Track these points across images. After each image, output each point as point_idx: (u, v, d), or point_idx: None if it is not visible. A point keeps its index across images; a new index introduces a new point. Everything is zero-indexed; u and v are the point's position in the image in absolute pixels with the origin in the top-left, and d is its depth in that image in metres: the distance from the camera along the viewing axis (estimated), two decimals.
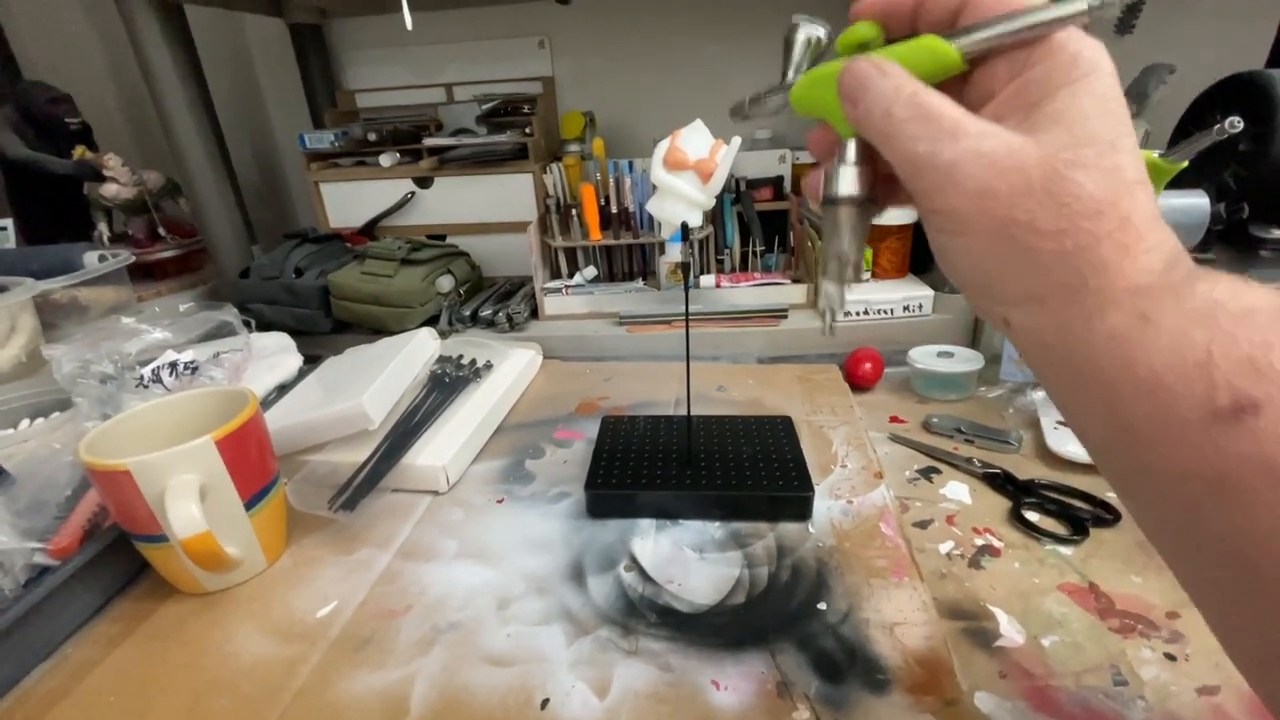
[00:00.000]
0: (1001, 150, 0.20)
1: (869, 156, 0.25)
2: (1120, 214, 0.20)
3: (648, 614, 0.39)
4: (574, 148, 0.93)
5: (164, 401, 0.46)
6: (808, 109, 0.27)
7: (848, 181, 0.25)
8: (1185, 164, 0.45)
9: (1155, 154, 0.47)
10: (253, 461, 0.43)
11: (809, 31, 0.28)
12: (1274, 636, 0.19)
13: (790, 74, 0.28)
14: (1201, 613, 0.22)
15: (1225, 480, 0.18)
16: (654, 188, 0.42)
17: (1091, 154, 0.20)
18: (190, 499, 0.37)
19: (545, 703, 0.33)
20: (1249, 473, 0.17)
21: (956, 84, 0.23)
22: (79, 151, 0.86)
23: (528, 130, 0.88)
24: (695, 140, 0.41)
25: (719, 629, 0.37)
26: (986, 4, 0.21)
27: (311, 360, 0.72)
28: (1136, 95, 0.74)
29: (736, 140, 0.41)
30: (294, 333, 0.76)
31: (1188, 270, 0.20)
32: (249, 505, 0.42)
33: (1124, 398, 0.20)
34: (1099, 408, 0.21)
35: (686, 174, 0.40)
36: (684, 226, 0.42)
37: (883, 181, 0.26)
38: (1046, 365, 0.22)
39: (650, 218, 0.82)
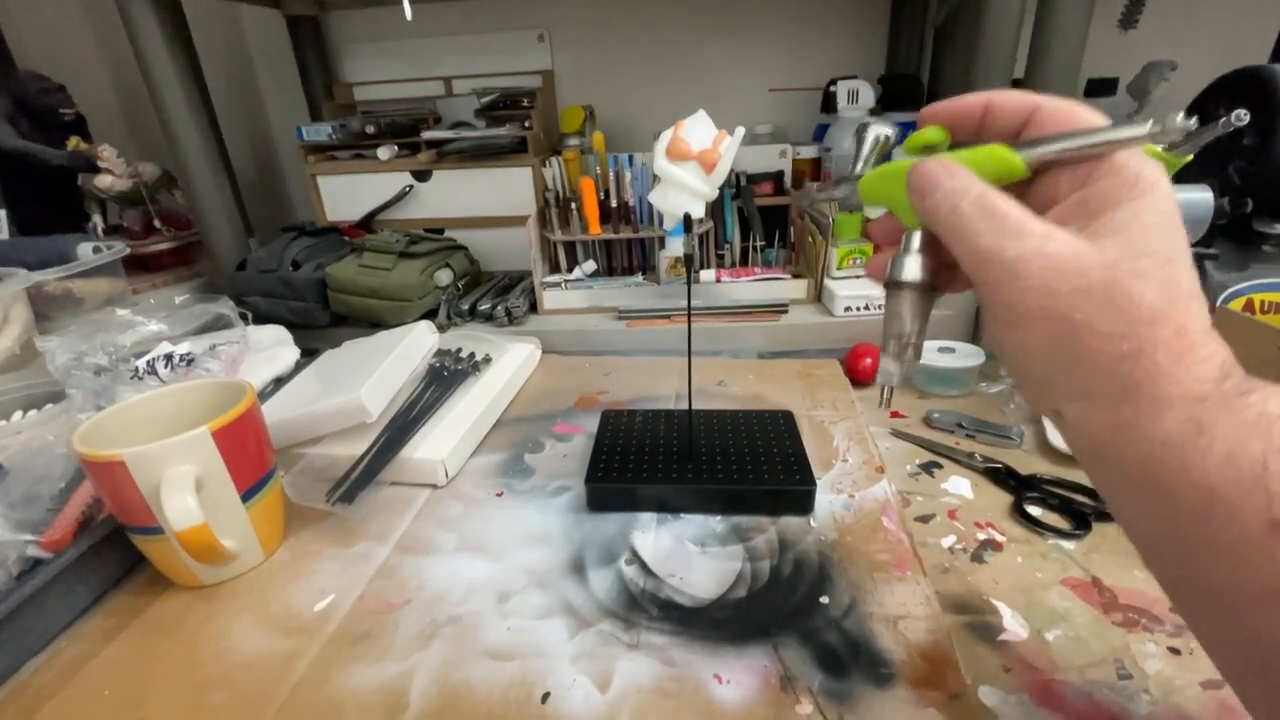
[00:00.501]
0: (1066, 252, 0.21)
1: (932, 247, 0.27)
2: (1176, 323, 0.21)
3: (649, 608, 0.38)
4: (573, 141, 0.92)
5: (159, 393, 0.45)
6: (875, 200, 0.29)
7: (912, 268, 0.27)
8: (1190, 158, 0.44)
9: (1159, 147, 0.47)
10: (249, 453, 0.42)
11: (878, 130, 0.30)
12: None
13: (859, 166, 0.30)
14: (1242, 701, 0.22)
15: None
16: (656, 178, 0.41)
17: (1151, 265, 0.21)
18: (186, 490, 0.37)
19: (546, 696, 0.33)
20: None
21: (1018, 189, 0.24)
22: (73, 142, 0.85)
23: (527, 124, 0.88)
24: (698, 131, 0.41)
25: (721, 623, 0.37)
26: (1052, 120, 0.23)
27: (309, 353, 0.71)
28: (1137, 92, 0.74)
29: (740, 131, 0.40)
30: (291, 326, 0.76)
31: (1240, 379, 0.21)
32: (246, 497, 0.42)
33: (1179, 505, 0.20)
34: (1151, 511, 0.21)
35: (689, 165, 0.40)
36: (687, 218, 0.41)
37: (944, 270, 0.27)
38: (1097, 462, 0.23)
39: (651, 211, 0.82)
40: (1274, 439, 0.19)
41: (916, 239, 0.27)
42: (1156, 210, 0.22)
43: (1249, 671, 0.21)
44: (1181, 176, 0.47)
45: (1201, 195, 0.48)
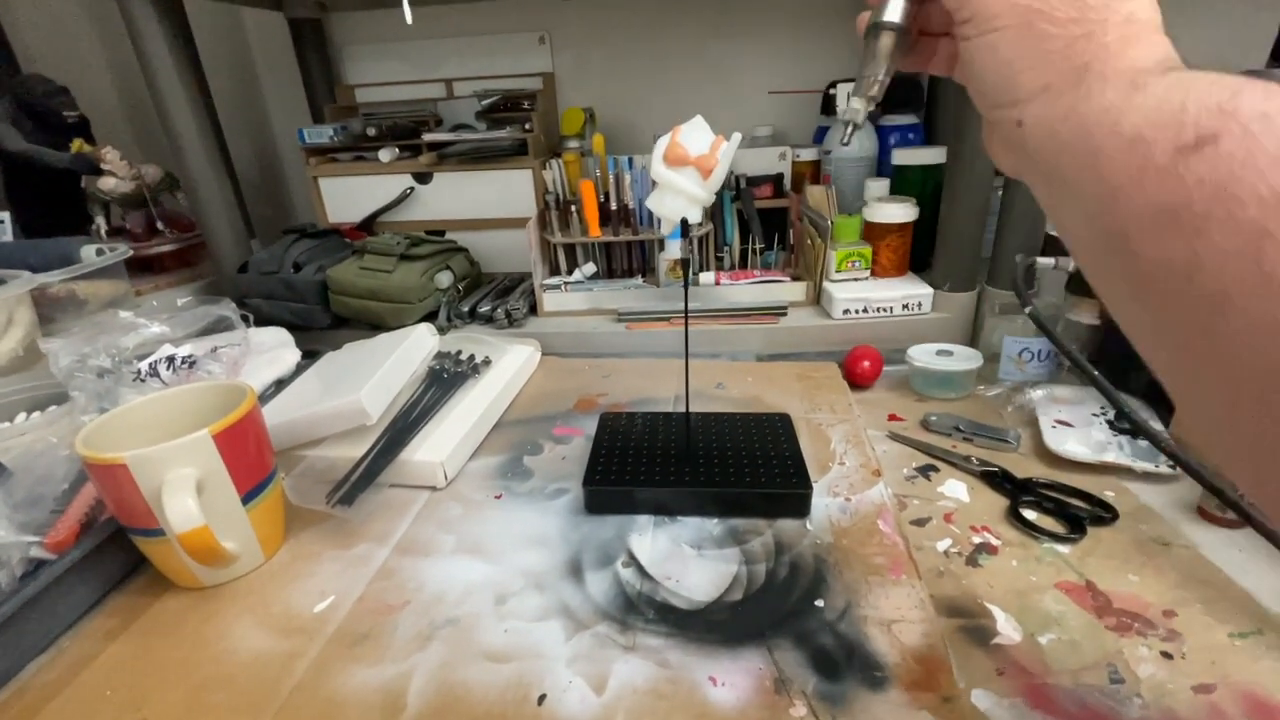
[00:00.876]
0: None
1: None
2: (1126, 10, 0.23)
3: (645, 610, 0.39)
4: (574, 144, 0.92)
5: (161, 395, 0.46)
6: None
7: (894, 9, 0.30)
8: None
9: None
10: (250, 456, 0.43)
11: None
12: (1243, 391, 0.19)
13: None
14: (1179, 404, 0.23)
15: (1186, 208, 0.19)
16: (654, 183, 0.42)
17: None
18: (187, 493, 0.37)
19: (542, 698, 0.33)
20: (1204, 196, 0.18)
21: None
22: (76, 145, 0.86)
23: (527, 126, 0.88)
24: (696, 136, 0.41)
25: (717, 625, 0.37)
26: None
27: (309, 355, 0.71)
28: None
29: (737, 136, 0.40)
30: (292, 328, 0.76)
31: (1179, 64, 0.22)
32: (246, 499, 0.42)
33: (1109, 158, 0.21)
34: (1090, 183, 0.22)
35: (687, 170, 0.40)
36: (684, 222, 0.42)
37: (919, 28, 0.31)
38: (1054, 155, 0.24)
39: (650, 214, 0.82)
40: (1197, 86, 0.20)
41: None
42: None
43: (1176, 344, 0.21)
44: None
45: None
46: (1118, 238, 0.21)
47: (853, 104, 0.33)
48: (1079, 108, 0.22)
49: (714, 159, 0.40)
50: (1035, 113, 0.24)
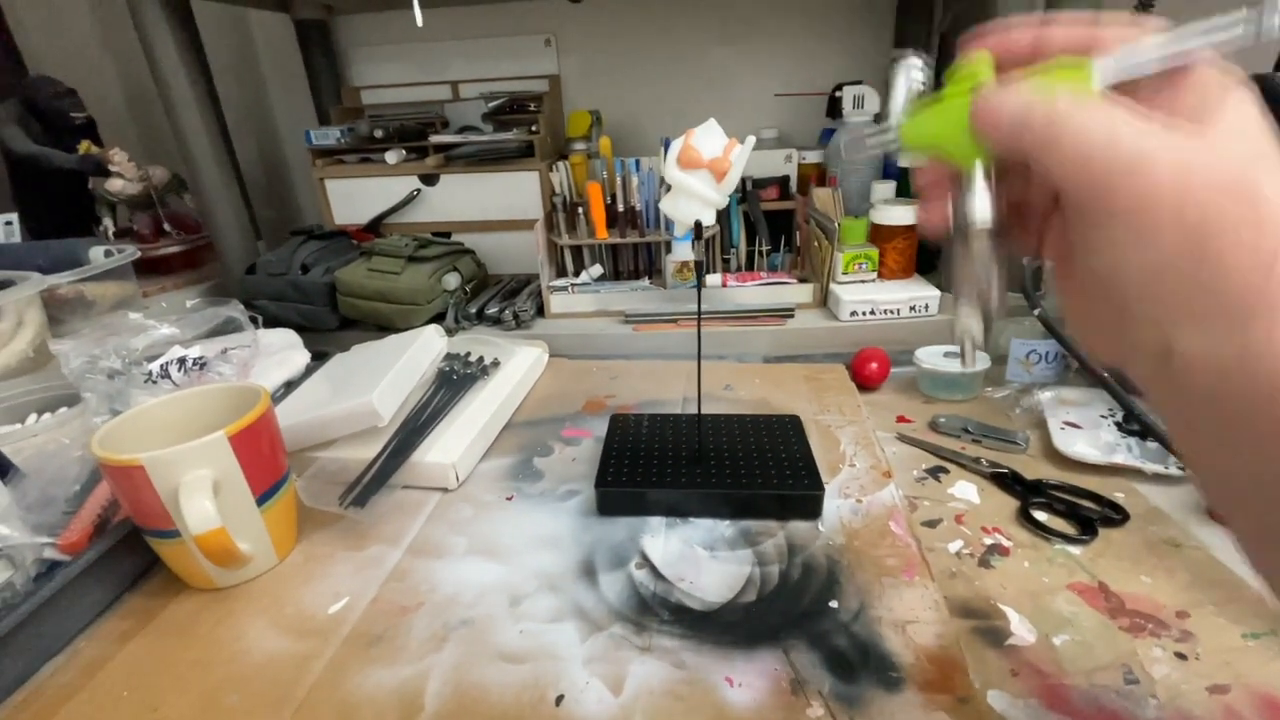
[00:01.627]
0: (1196, 144, 0.19)
1: (998, 183, 0.24)
2: None
3: (660, 611, 0.39)
4: (580, 146, 0.93)
5: (175, 397, 0.46)
6: (922, 143, 0.26)
7: (982, 206, 0.24)
8: None
9: None
10: (265, 457, 0.43)
11: (913, 68, 0.28)
12: None
13: (898, 112, 0.27)
14: None
15: None
16: (667, 186, 0.42)
17: (1274, 165, 0.19)
18: (204, 495, 0.37)
19: (560, 699, 0.33)
20: None
21: None
22: (84, 146, 0.86)
23: (534, 128, 0.88)
24: (709, 139, 0.41)
25: (731, 626, 0.37)
26: (1115, 40, 0.21)
27: (318, 357, 0.72)
28: None
29: (751, 140, 0.41)
30: (300, 329, 0.76)
31: None
32: (261, 501, 0.42)
33: None
34: (1270, 453, 0.19)
35: (700, 173, 0.41)
36: (697, 225, 0.42)
37: (1011, 214, 0.25)
38: (1219, 398, 0.20)
39: (657, 216, 0.83)
40: None
41: (980, 175, 0.24)
42: (1255, 110, 0.19)
43: None
44: None
45: None
46: None
47: (967, 324, 0.26)
48: (1257, 358, 0.18)
49: (727, 162, 0.40)
50: (1197, 345, 0.19)
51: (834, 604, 0.39)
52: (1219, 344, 0.19)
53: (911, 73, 0.28)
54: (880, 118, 0.27)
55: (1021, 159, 0.22)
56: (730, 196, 0.83)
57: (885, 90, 0.28)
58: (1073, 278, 0.24)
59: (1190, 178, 0.18)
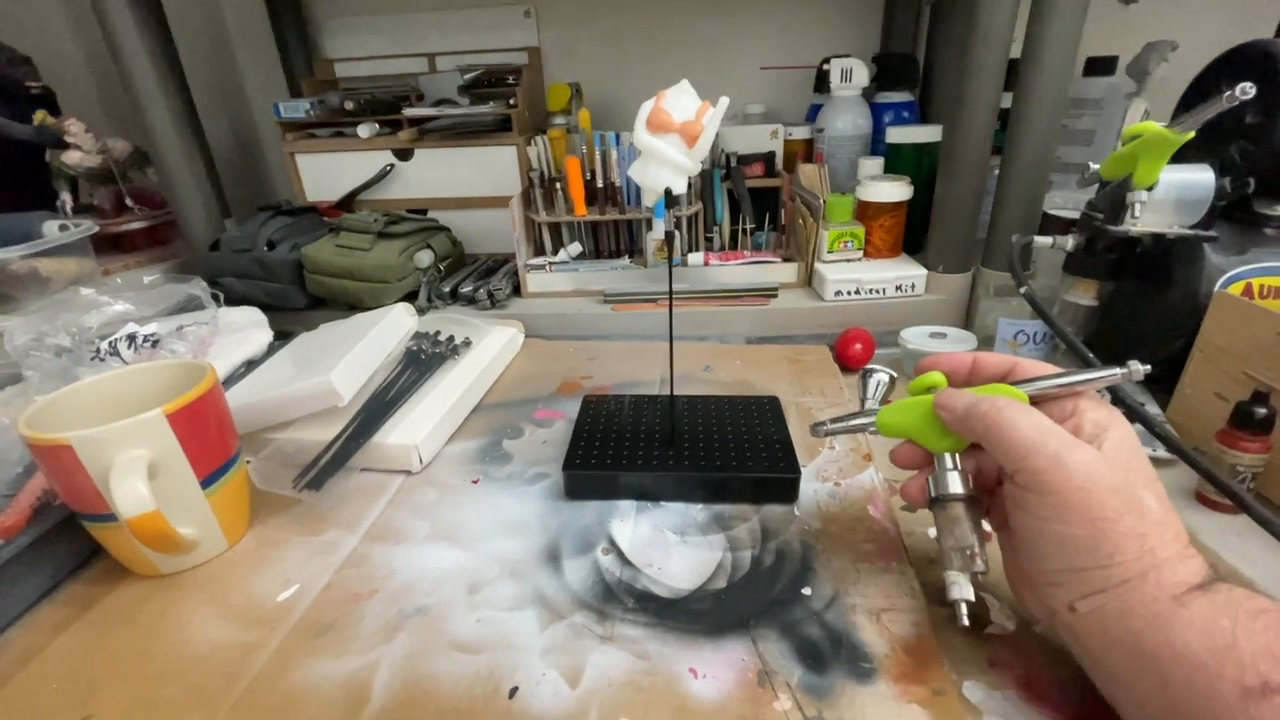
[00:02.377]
0: (1096, 458, 0.27)
1: (965, 463, 0.33)
2: (1175, 527, 0.27)
3: (625, 599, 0.37)
4: (559, 120, 0.90)
5: (115, 374, 0.43)
6: (895, 431, 0.35)
7: (955, 482, 0.32)
8: (1193, 134, 0.43)
9: (1159, 125, 0.45)
10: (210, 437, 0.40)
11: (880, 376, 0.38)
12: None
13: (870, 403, 0.37)
14: None
15: None
16: (637, 152, 0.39)
17: (1148, 480, 0.28)
18: (137, 476, 0.35)
19: (514, 691, 0.32)
20: None
21: None
22: (39, 116, 0.82)
23: (511, 101, 0.85)
24: (681, 101, 0.39)
25: (699, 614, 0.36)
26: (1029, 372, 0.32)
27: (283, 336, 0.69)
28: (1137, 72, 0.72)
29: (724, 101, 0.38)
30: (266, 308, 0.74)
31: (1213, 577, 0.26)
32: (206, 483, 0.40)
33: (1169, 673, 0.24)
34: (1147, 683, 0.25)
35: (671, 137, 0.38)
36: (668, 194, 0.39)
37: (980, 484, 0.33)
38: (1102, 648, 0.27)
39: (638, 192, 0.80)
40: (1239, 617, 0.24)
41: (947, 459, 0.33)
42: (1132, 439, 0.29)
43: None
44: (1181, 156, 0.45)
45: (1201, 175, 0.47)
46: None
47: (957, 580, 0.32)
48: (1130, 614, 0.25)
49: (699, 125, 0.38)
50: (1090, 604, 0.27)
51: (807, 591, 0.37)
52: (1110, 604, 0.26)
53: (879, 375, 0.38)
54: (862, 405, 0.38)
55: (972, 439, 0.31)
56: (714, 173, 0.81)
57: (862, 384, 0.39)
58: (1009, 540, 0.31)
59: (1094, 481, 0.26)
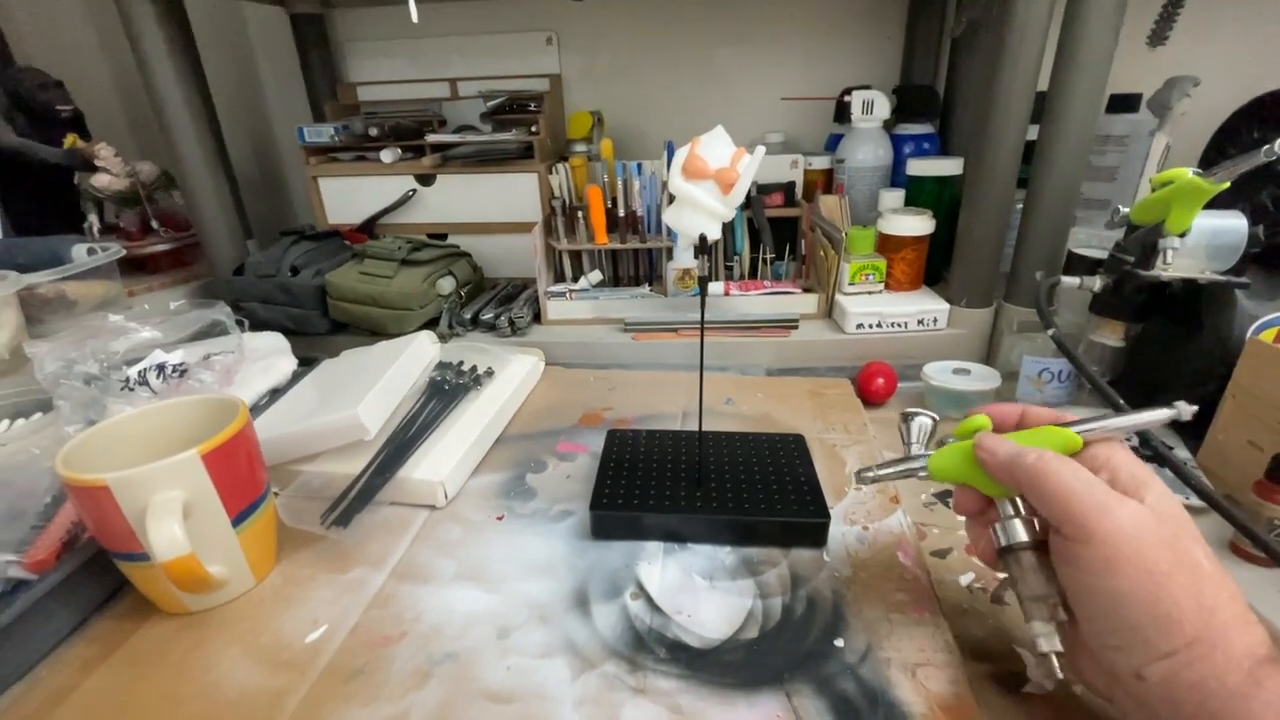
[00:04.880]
0: (1140, 509, 0.27)
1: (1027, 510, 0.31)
2: (1231, 588, 0.26)
3: (656, 648, 0.37)
4: (581, 148, 0.91)
5: (147, 410, 0.43)
6: (947, 477, 0.34)
7: (1020, 530, 0.31)
8: (1228, 185, 0.43)
9: (1190, 172, 0.45)
10: (241, 476, 0.41)
11: (923, 420, 0.37)
12: None
13: (915, 447, 0.37)
14: None
15: None
16: (671, 197, 0.40)
17: (1197, 537, 0.27)
18: (173, 518, 0.35)
19: None
20: None
21: None
22: (70, 140, 0.83)
23: (533, 129, 0.86)
24: (716, 148, 0.39)
25: (731, 666, 0.35)
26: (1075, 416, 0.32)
27: (306, 363, 0.69)
28: (1159, 107, 0.72)
29: (760, 150, 0.38)
30: (289, 333, 0.74)
31: (1273, 649, 0.25)
32: (236, 521, 0.40)
33: None
34: None
35: (706, 184, 0.38)
36: (702, 239, 0.40)
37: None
38: (1177, 706, 0.25)
39: (659, 221, 0.80)
40: None
41: (1009, 505, 0.31)
42: (1172, 495, 0.28)
43: None
44: (1214, 202, 0.45)
45: (1235, 222, 0.47)
46: None
47: (1040, 630, 0.30)
48: (1208, 685, 0.24)
49: (735, 172, 0.38)
50: (1161, 671, 0.25)
51: (839, 643, 0.36)
52: (1180, 673, 0.25)
53: (921, 419, 0.37)
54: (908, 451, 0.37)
55: (1015, 489, 0.31)
56: None
57: (906, 428, 0.38)
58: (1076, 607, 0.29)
59: (1143, 531, 0.26)
